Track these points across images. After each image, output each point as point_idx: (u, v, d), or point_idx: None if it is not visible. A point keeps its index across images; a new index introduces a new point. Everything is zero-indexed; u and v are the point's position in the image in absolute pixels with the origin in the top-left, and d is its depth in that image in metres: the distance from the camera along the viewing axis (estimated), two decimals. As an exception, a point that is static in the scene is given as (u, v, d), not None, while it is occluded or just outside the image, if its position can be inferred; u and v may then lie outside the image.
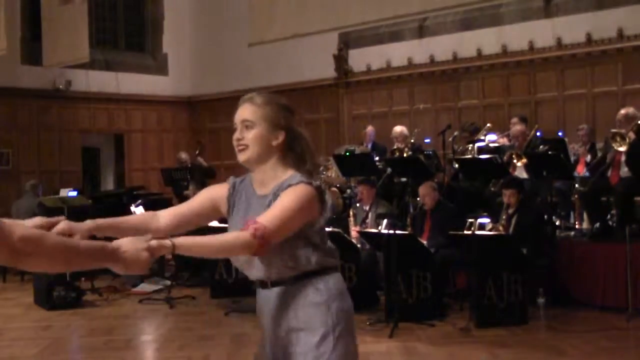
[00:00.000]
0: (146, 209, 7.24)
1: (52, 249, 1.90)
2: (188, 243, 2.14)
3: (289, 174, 2.37)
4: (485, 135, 9.17)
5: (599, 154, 8.10)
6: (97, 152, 14.16)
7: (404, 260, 6.79)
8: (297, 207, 2.26)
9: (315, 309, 2.35)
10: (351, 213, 8.23)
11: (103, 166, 14.30)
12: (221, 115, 13.94)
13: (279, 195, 2.30)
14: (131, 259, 2.03)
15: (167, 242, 2.09)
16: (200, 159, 11.34)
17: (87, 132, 13.39)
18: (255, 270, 2.39)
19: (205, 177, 11.25)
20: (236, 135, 2.40)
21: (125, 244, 2.04)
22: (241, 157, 2.41)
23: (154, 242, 2.07)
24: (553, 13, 10.16)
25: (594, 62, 9.87)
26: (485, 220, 7.11)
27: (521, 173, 8.24)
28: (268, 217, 2.21)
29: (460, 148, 9.16)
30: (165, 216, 2.46)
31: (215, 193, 2.53)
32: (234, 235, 2.23)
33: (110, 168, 14.18)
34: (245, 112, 2.40)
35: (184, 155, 11.51)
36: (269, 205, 2.30)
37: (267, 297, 2.42)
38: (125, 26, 13.96)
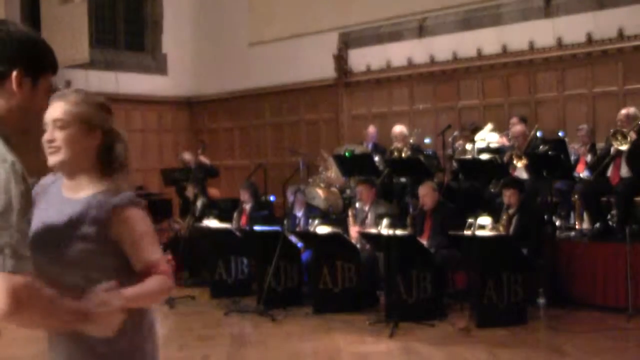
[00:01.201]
0: (146, 209, 7.23)
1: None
2: (132, 295, 2.02)
3: (105, 184, 2.15)
4: (485, 135, 9.17)
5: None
6: (97, 152, 14.15)
7: (404, 260, 6.79)
8: (152, 230, 2.17)
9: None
10: (350, 213, 8.23)
11: (103, 166, 14.27)
12: (221, 115, 13.95)
13: (112, 220, 2.07)
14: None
15: (116, 298, 1.97)
16: (203, 158, 11.34)
17: (87, 132, 13.37)
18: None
19: (210, 176, 11.25)
20: (46, 136, 2.14)
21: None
22: (52, 160, 2.14)
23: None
24: (553, 13, 10.15)
25: (594, 62, 9.86)
26: (485, 220, 7.11)
27: (521, 173, 8.23)
28: (155, 254, 2.13)
29: (460, 148, 9.16)
30: None
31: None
32: (158, 282, 2.10)
33: (110, 168, 14.16)
34: (57, 110, 2.15)
35: (187, 156, 11.49)
36: (80, 213, 2.08)
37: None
38: (125, 26, 13.94)
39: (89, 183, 2.16)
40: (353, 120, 12.21)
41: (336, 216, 9.04)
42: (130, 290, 2.02)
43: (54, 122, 2.14)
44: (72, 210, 2.10)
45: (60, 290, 1.88)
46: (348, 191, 9.60)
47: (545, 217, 7.61)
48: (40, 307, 1.76)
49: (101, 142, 2.18)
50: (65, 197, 2.17)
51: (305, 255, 7.93)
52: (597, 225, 7.55)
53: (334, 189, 9.88)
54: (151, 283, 2.08)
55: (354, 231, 7.89)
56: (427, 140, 9.97)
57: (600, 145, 8.37)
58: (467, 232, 6.81)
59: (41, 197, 2.20)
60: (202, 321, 7.25)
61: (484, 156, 8.68)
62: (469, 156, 8.85)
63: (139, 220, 2.13)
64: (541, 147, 8.31)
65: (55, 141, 2.13)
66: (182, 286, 8.90)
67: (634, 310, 6.64)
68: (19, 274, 1.68)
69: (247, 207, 9.11)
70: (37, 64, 1.92)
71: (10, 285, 1.66)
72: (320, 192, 9.61)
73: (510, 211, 7.20)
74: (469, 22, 10.85)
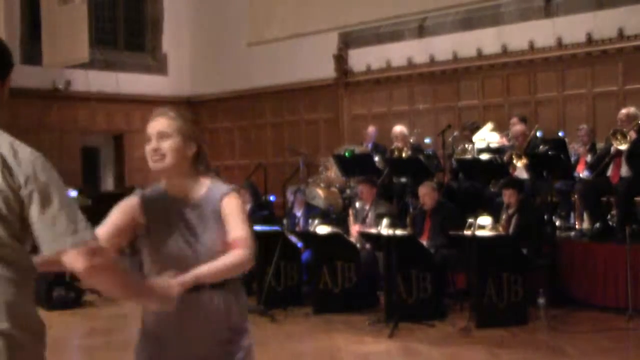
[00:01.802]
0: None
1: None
2: (204, 273, 2.40)
3: (207, 183, 2.58)
4: (485, 135, 9.17)
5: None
6: (97, 152, 14.15)
7: (403, 260, 6.79)
8: (245, 213, 2.56)
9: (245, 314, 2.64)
10: (351, 212, 8.23)
11: (103, 166, 14.28)
12: (221, 115, 13.94)
13: (221, 206, 2.52)
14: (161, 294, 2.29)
15: (189, 276, 2.36)
16: None
17: (87, 132, 13.38)
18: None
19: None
20: (152, 145, 2.55)
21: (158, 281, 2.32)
22: (157, 167, 2.56)
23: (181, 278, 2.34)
24: (553, 13, 10.15)
25: (594, 62, 9.86)
26: (485, 220, 7.11)
27: (521, 173, 8.23)
28: (241, 230, 2.48)
29: (460, 148, 9.16)
30: (103, 235, 2.47)
31: (126, 206, 2.59)
32: (236, 255, 2.45)
33: (110, 168, 14.16)
34: (160, 124, 2.56)
35: None
36: (210, 214, 2.51)
37: (198, 299, 2.51)
38: (125, 26, 13.94)
39: (194, 184, 2.57)
40: (353, 120, 12.21)
41: (336, 216, 9.04)
42: (205, 268, 2.40)
43: (158, 134, 2.54)
44: (200, 211, 2.53)
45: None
46: (348, 191, 9.60)
47: (545, 217, 7.60)
48: (113, 274, 2.04)
49: (196, 151, 2.58)
50: (182, 200, 2.56)
51: (305, 255, 7.93)
52: (597, 225, 7.55)
53: (334, 189, 9.88)
54: (227, 258, 2.43)
55: (354, 230, 7.89)
56: (427, 140, 9.97)
57: (600, 145, 8.37)
58: (467, 232, 6.80)
59: (151, 205, 2.58)
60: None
61: (484, 156, 8.68)
62: (469, 156, 8.85)
63: (234, 201, 2.53)
64: (541, 147, 8.31)
65: (160, 150, 2.53)
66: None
67: (634, 311, 6.63)
68: (95, 241, 1.97)
69: (247, 207, 9.11)
70: (7, 64, 2.15)
71: (90, 249, 1.93)
72: (320, 192, 9.61)
73: (510, 211, 7.20)
74: (469, 22, 10.85)
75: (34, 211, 1.90)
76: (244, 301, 2.67)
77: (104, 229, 2.50)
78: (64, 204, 1.93)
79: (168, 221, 2.53)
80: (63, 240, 1.91)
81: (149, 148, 2.56)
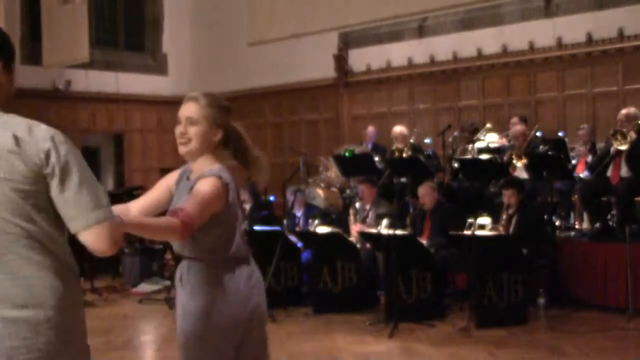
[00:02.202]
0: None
1: None
2: (132, 221, 2.38)
3: (216, 165, 2.66)
4: (484, 135, 9.17)
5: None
6: (96, 152, 14.15)
7: (403, 260, 6.79)
8: (208, 197, 2.53)
9: (230, 297, 2.66)
10: (351, 212, 8.23)
11: (103, 166, 14.28)
12: (221, 115, 13.93)
13: (195, 183, 2.60)
14: None
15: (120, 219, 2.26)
16: None
17: (86, 132, 13.37)
18: (184, 248, 2.69)
19: None
20: (180, 129, 2.71)
21: None
22: (182, 149, 2.72)
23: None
24: (553, 13, 10.15)
25: (594, 62, 9.86)
26: (485, 220, 7.11)
27: (521, 173, 8.23)
28: (190, 207, 2.46)
29: (460, 148, 9.16)
30: (137, 207, 2.72)
31: (169, 180, 2.82)
32: (166, 221, 2.44)
33: (110, 168, 14.16)
34: (190, 109, 2.70)
35: None
36: (190, 191, 2.59)
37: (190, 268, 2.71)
38: (125, 26, 13.94)
39: (206, 166, 2.67)
40: (353, 120, 12.21)
41: (336, 216, 9.04)
42: (134, 218, 2.48)
43: (187, 119, 2.69)
44: (187, 186, 2.64)
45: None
46: (348, 191, 9.60)
47: (545, 217, 7.60)
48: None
49: (222, 137, 2.71)
50: (191, 178, 2.70)
51: (305, 255, 7.92)
52: (597, 225, 7.55)
53: (334, 189, 9.88)
54: (159, 220, 2.46)
55: (354, 230, 7.89)
56: (427, 140, 9.97)
57: (600, 145, 8.37)
58: (467, 232, 6.81)
59: (180, 183, 2.76)
60: (202, 321, 7.23)
61: (484, 156, 8.68)
62: (469, 156, 8.85)
63: (206, 183, 2.56)
64: (541, 147, 8.32)
65: (187, 134, 2.68)
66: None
67: (634, 311, 6.63)
68: (114, 219, 1.98)
69: (247, 207, 9.10)
70: (12, 53, 2.23)
71: (113, 231, 1.95)
72: (320, 192, 9.61)
73: (510, 211, 7.20)
74: (469, 22, 10.85)
75: (54, 186, 1.88)
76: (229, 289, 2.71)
77: (147, 200, 2.74)
78: (85, 179, 1.91)
79: (176, 198, 2.73)
80: (85, 217, 1.89)
81: (177, 131, 2.71)
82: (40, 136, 1.91)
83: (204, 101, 2.69)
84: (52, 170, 1.87)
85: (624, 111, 7.62)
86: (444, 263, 7.17)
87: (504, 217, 7.17)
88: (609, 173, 7.62)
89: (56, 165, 1.87)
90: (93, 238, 1.91)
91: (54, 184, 1.88)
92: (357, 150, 9.75)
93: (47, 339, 1.89)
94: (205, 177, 2.58)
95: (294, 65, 12.40)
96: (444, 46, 11.07)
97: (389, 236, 6.83)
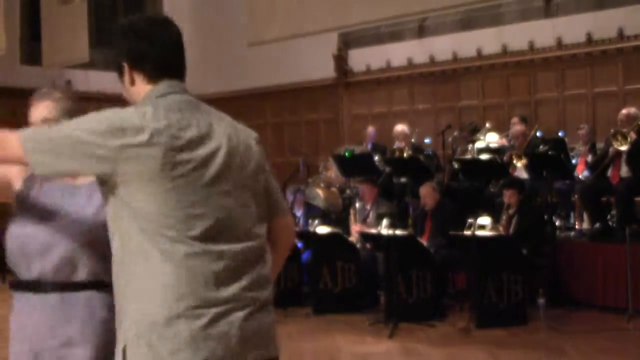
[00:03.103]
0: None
1: None
2: None
3: None
4: (484, 135, 9.17)
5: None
6: (96, 152, 14.15)
7: (404, 260, 6.79)
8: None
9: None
10: (351, 212, 8.23)
11: (103, 166, 14.27)
12: (221, 115, 13.93)
13: None
14: None
15: None
16: None
17: (86, 132, 13.36)
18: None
19: None
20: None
21: None
22: None
23: None
24: (553, 13, 10.15)
25: (594, 62, 9.86)
26: (485, 220, 7.11)
27: (521, 173, 8.23)
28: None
29: (460, 148, 9.16)
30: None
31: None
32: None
33: (110, 168, 14.16)
34: (45, 109, 2.39)
35: None
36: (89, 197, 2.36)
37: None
38: (125, 26, 13.95)
39: None
40: (353, 120, 12.21)
41: (336, 216, 9.04)
42: None
43: (44, 121, 2.34)
44: (79, 197, 2.30)
45: None
46: (348, 191, 9.60)
47: (545, 217, 7.60)
48: None
49: None
50: (64, 184, 2.31)
51: (305, 255, 7.93)
52: (597, 225, 7.55)
53: (334, 189, 9.88)
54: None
55: (354, 230, 7.89)
56: (427, 140, 9.97)
57: (600, 145, 8.37)
58: (467, 232, 6.81)
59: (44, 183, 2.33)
60: (202, 321, 7.23)
61: (484, 156, 8.68)
62: (469, 156, 8.85)
63: None
64: (541, 147, 8.31)
65: None
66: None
67: (634, 311, 6.63)
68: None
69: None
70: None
71: None
72: (320, 192, 9.61)
73: (510, 211, 7.20)
74: (469, 22, 10.84)
75: None
76: None
77: None
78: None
79: None
80: None
81: None
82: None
83: (58, 94, 2.45)
84: None
85: (624, 111, 7.62)
86: (444, 263, 7.17)
87: (504, 217, 7.17)
88: (609, 173, 7.62)
89: None
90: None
91: None
92: (357, 150, 9.74)
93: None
94: None
95: (294, 65, 12.39)
96: (444, 46, 11.06)
97: (389, 236, 6.83)
